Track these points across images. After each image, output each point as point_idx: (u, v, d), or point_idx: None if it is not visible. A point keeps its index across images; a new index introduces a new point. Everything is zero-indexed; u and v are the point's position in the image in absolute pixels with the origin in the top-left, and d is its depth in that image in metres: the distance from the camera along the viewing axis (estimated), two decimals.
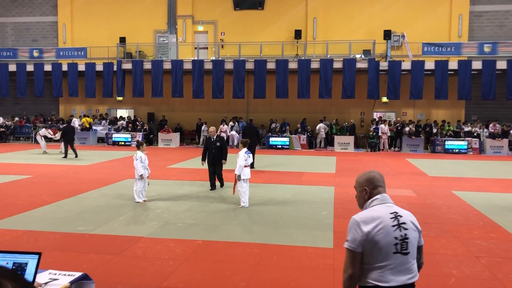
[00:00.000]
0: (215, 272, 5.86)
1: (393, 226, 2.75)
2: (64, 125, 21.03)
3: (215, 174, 11.53)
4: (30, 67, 27.03)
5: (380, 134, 23.24)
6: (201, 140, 25.61)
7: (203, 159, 11.55)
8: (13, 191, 11.19)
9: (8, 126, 27.20)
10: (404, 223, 2.78)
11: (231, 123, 24.79)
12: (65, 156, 18.31)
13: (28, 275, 3.30)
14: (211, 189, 11.38)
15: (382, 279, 2.73)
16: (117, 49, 26.50)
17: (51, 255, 6.26)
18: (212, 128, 11.65)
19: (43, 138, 20.38)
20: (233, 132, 24.65)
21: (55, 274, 3.64)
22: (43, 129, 20.98)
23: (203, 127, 25.70)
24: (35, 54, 27.76)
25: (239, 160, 9.55)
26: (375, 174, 2.97)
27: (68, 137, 18.53)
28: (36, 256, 3.40)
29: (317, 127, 24.61)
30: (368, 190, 2.92)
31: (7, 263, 3.35)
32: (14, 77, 27.32)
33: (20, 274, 0.79)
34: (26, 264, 3.35)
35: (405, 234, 2.76)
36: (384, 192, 2.93)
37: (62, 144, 19.42)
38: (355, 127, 24.77)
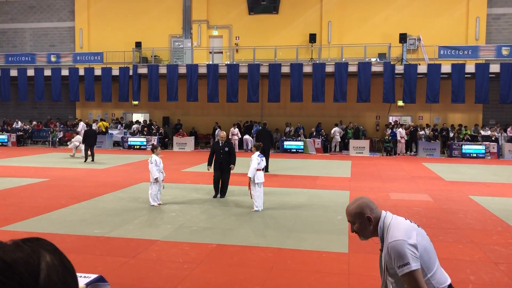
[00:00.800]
0: (229, 276, 5.86)
1: (418, 227, 2.76)
2: (86, 128, 21.12)
3: (219, 180, 10.93)
4: (47, 72, 27.45)
5: (399, 138, 23.02)
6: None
7: (209, 164, 11.02)
8: (31, 194, 11.36)
9: (26, 130, 27.64)
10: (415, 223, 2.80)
11: (232, 128, 24.56)
12: (86, 160, 18.47)
13: None
14: (214, 196, 10.85)
15: (442, 279, 2.71)
16: (133, 53, 26.78)
17: (68, 257, 6.30)
18: (222, 133, 11.12)
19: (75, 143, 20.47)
20: (247, 136, 24.66)
21: None
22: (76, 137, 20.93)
23: (216, 131, 25.64)
24: (53, 59, 28.19)
25: (252, 163, 9.57)
26: (365, 199, 2.84)
27: (89, 141, 18.68)
28: None
29: (332, 131, 24.52)
30: (371, 216, 2.77)
31: None
32: (32, 81, 27.76)
33: (59, 249, 0.87)
34: None
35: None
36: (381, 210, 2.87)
37: (80, 146, 19.64)
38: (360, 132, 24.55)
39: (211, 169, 11.07)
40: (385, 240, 2.72)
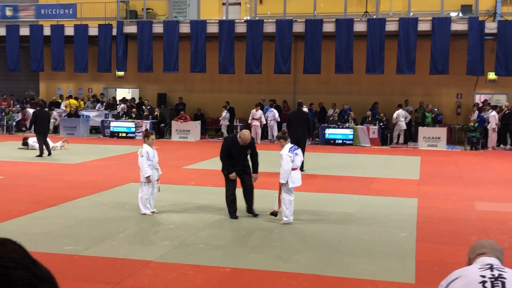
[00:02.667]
0: None
1: (480, 283, 2.99)
2: (36, 109, 20.97)
3: (246, 189, 10.23)
4: (1, 31, 27.88)
5: (494, 126, 22.71)
6: (222, 132, 25.77)
7: (229, 171, 10.16)
8: None
9: None
10: (504, 283, 2.95)
11: (254, 110, 24.62)
12: (40, 154, 18.27)
13: None
14: (232, 217, 10.09)
15: None
16: (118, 6, 26.98)
17: None
18: (246, 134, 10.12)
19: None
20: (272, 122, 24.64)
21: None
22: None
23: (224, 114, 25.77)
24: (8, 13, 28.63)
25: (283, 162, 9.53)
26: (482, 241, 3.45)
27: (40, 127, 18.30)
28: None
29: (395, 115, 24.34)
30: (469, 258, 3.36)
31: None
32: None
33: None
34: None
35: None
36: (490, 257, 3.24)
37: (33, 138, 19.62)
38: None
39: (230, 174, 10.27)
40: None
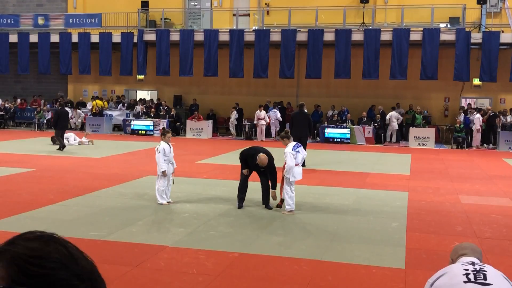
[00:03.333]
0: None
1: (464, 275, 2.96)
2: (57, 108, 21.25)
3: (247, 182, 10.16)
4: (33, 38, 28.00)
5: (478, 127, 22.65)
6: (232, 129, 25.76)
7: (243, 168, 10.22)
8: (13, 187, 11.69)
9: (7, 109, 28.35)
10: (485, 274, 2.94)
11: (258, 111, 24.59)
12: (60, 148, 18.42)
13: None
14: (239, 207, 10.09)
15: None
16: (138, 16, 27.04)
17: None
18: (263, 158, 9.71)
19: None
20: (262, 122, 24.48)
21: None
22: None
23: (232, 114, 25.77)
24: (40, 22, 28.73)
25: (287, 160, 9.56)
26: (463, 243, 3.39)
27: (62, 124, 18.66)
28: None
29: (388, 116, 24.29)
30: (451, 259, 3.34)
31: None
32: (15, 49, 28.37)
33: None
34: None
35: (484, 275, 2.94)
36: (471, 257, 3.22)
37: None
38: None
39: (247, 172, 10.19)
40: None
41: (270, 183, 9.98)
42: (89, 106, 27.92)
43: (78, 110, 26.96)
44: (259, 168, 9.99)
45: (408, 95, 25.95)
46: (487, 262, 7.04)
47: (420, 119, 24.26)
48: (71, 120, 26.14)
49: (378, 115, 24.50)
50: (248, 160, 10.06)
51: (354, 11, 25.89)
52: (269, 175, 9.98)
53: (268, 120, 24.62)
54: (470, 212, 10.20)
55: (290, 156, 9.55)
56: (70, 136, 20.41)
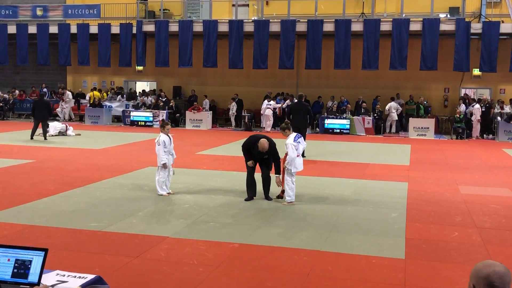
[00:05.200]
0: (255, 283, 5.95)
1: None
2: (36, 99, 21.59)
3: (263, 178, 10.11)
4: (32, 29, 27.91)
5: (478, 117, 22.65)
6: (232, 120, 25.77)
7: (247, 159, 10.12)
8: (13, 178, 11.70)
9: (6, 100, 28.31)
10: None
11: (266, 102, 24.55)
12: (32, 137, 18.78)
13: (33, 275, 3.48)
14: (247, 199, 10.03)
15: None
16: (137, 6, 26.95)
17: (57, 255, 6.52)
18: (264, 143, 9.66)
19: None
20: (268, 112, 24.45)
21: (64, 275, 3.80)
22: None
23: (231, 105, 25.75)
24: (39, 12, 28.64)
25: (289, 151, 9.53)
26: (501, 269, 2.68)
27: (39, 114, 18.72)
28: (42, 253, 3.57)
29: (387, 107, 24.27)
30: (473, 285, 2.70)
31: (8, 260, 3.53)
32: (13, 40, 28.31)
33: None
34: (31, 261, 3.53)
35: None
36: None
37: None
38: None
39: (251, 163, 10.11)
40: None
41: (274, 169, 9.88)
42: (88, 97, 27.90)
43: (63, 101, 27.31)
44: (263, 156, 9.93)
45: (408, 86, 25.94)
46: (487, 252, 7.09)
47: (423, 110, 24.27)
48: (57, 110, 26.29)
49: (378, 105, 24.48)
50: (251, 149, 9.98)
51: (353, 1, 25.79)
52: (273, 160, 9.95)
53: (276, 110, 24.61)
54: (470, 202, 10.21)
55: (291, 148, 9.53)
56: (64, 128, 20.82)
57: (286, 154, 9.71)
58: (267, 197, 10.08)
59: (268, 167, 10.07)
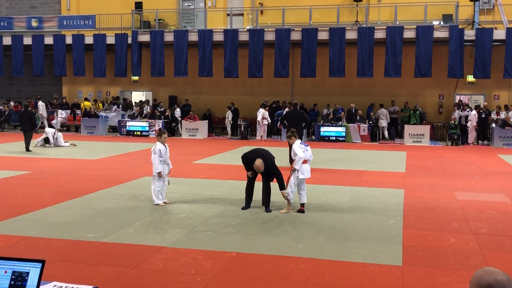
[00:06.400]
0: None
1: None
2: (21, 110, 21.64)
3: (253, 184, 10.06)
4: (27, 40, 27.92)
5: (474, 123, 22.72)
6: (229, 129, 25.78)
7: (247, 170, 10.08)
8: (9, 190, 11.65)
9: (2, 111, 28.28)
10: None
11: (262, 110, 24.47)
12: (27, 149, 18.66)
13: (30, 287, 3.45)
14: (243, 208, 10.00)
15: None
16: (132, 17, 26.99)
17: (54, 266, 6.49)
18: (258, 164, 9.61)
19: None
20: (264, 122, 24.38)
21: (61, 287, 3.79)
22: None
23: (227, 114, 25.76)
24: (34, 24, 28.66)
25: (297, 151, 9.58)
26: (503, 278, 2.62)
27: (24, 125, 18.71)
28: (39, 265, 3.55)
29: (376, 115, 24.37)
30: None
31: (5, 272, 3.51)
32: (8, 52, 28.31)
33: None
34: (28, 273, 3.50)
35: None
36: None
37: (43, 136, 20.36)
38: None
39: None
40: None
41: (278, 184, 9.74)
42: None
43: (60, 110, 27.43)
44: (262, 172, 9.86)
45: (403, 93, 26.01)
46: (484, 258, 7.09)
47: (417, 116, 24.29)
48: (53, 121, 26.28)
49: (372, 113, 24.55)
50: (249, 163, 9.94)
51: (347, 9, 25.92)
52: (273, 177, 9.82)
53: (269, 120, 24.52)
54: (466, 208, 10.22)
55: (299, 148, 9.62)
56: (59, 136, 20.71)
57: (293, 160, 9.72)
58: (267, 209, 9.90)
59: (269, 178, 9.97)
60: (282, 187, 9.68)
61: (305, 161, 9.69)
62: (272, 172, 9.78)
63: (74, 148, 19.97)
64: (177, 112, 26.08)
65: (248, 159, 9.96)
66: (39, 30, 28.46)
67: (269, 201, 9.96)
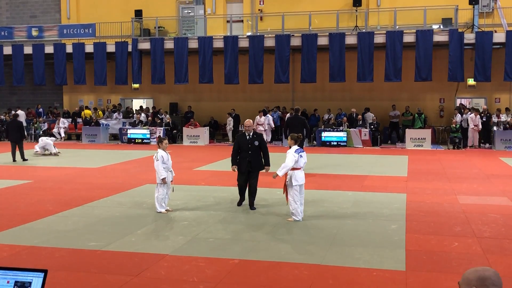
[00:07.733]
0: None
1: None
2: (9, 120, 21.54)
3: (247, 184, 10.60)
4: (28, 49, 28.01)
5: (472, 126, 22.70)
6: (229, 135, 25.81)
7: (234, 163, 10.64)
8: (11, 199, 11.66)
9: (3, 121, 28.29)
10: None
11: (258, 117, 24.46)
12: (13, 159, 18.43)
13: None
14: (239, 204, 10.72)
15: None
16: (132, 25, 27.07)
17: (57, 275, 6.49)
18: (248, 122, 10.75)
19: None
20: (260, 128, 24.32)
21: None
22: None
23: (228, 120, 25.80)
24: (34, 33, 28.75)
25: (287, 159, 9.40)
26: (491, 274, 2.83)
27: (11, 136, 18.44)
28: (42, 274, 3.54)
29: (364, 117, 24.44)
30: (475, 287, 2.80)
31: (8, 282, 3.51)
32: (9, 61, 28.39)
33: None
34: (30, 283, 3.50)
35: None
36: None
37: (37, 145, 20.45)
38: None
39: (236, 169, 10.66)
40: None
41: (263, 161, 10.61)
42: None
43: (62, 118, 27.53)
44: (253, 142, 10.46)
45: (404, 97, 26.03)
46: (487, 262, 7.07)
47: (421, 120, 24.23)
48: (54, 130, 26.34)
49: (374, 118, 24.56)
50: (240, 142, 10.64)
51: (347, 14, 25.97)
52: (261, 149, 10.60)
53: (266, 127, 24.53)
54: (469, 212, 10.20)
55: (291, 156, 9.44)
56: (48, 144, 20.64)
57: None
58: (251, 207, 10.45)
59: (257, 174, 10.56)
60: (267, 163, 10.60)
61: (297, 168, 9.56)
62: (260, 140, 10.66)
63: (76, 157, 19.96)
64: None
65: (239, 137, 10.85)
66: (40, 39, 28.56)
67: (254, 200, 10.57)
